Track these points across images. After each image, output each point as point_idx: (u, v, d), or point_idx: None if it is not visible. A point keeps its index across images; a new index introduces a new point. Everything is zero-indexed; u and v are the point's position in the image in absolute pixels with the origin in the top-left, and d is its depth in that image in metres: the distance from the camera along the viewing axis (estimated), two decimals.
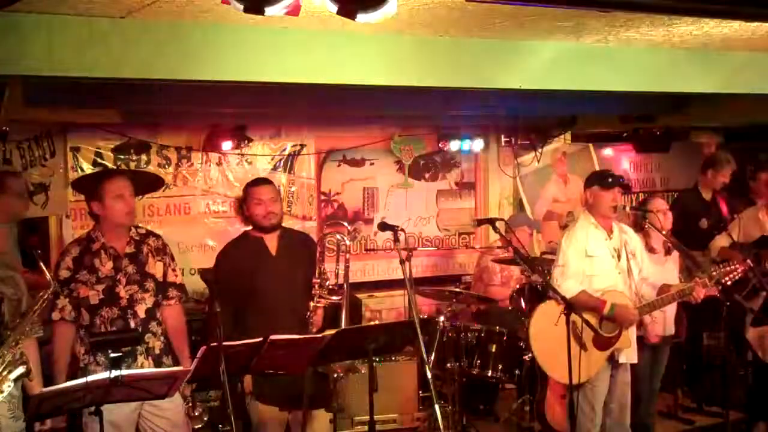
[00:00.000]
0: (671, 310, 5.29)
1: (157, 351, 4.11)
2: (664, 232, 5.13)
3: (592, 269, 4.77)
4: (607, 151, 8.53)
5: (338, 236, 4.50)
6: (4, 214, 5.17)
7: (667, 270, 5.31)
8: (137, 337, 4.02)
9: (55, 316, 3.96)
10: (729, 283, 4.85)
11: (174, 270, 4.26)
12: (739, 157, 6.78)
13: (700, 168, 6.76)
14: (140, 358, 4.04)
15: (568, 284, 4.68)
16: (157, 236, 4.30)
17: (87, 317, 3.99)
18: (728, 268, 4.83)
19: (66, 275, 3.97)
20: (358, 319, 6.69)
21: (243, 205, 4.47)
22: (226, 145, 6.74)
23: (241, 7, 2.82)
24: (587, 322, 4.43)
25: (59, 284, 3.89)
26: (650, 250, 5.28)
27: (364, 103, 5.92)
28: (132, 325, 4.02)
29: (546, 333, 4.67)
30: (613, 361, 4.82)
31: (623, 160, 8.61)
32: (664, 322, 5.31)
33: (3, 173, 5.46)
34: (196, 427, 4.37)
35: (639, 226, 5.36)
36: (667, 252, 5.47)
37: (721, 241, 5.90)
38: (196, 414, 4.19)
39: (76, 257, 4.01)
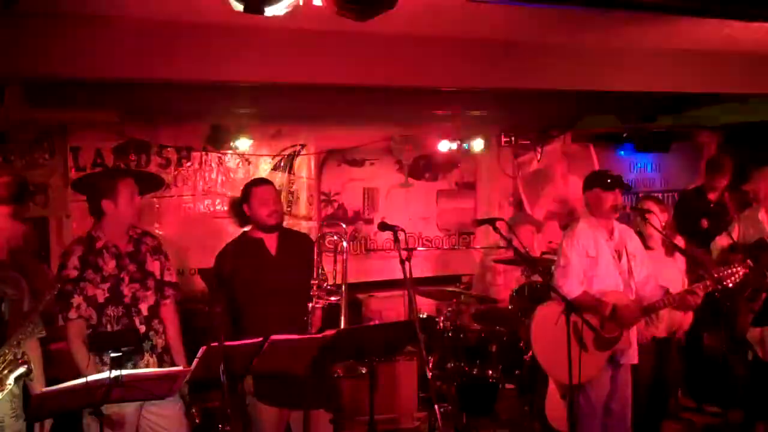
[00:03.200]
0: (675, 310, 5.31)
1: (159, 349, 4.14)
2: (663, 232, 5.14)
3: (593, 270, 4.77)
4: (607, 151, 8.52)
5: (336, 237, 4.50)
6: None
7: (668, 269, 5.31)
8: (138, 336, 4.03)
9: (72, 314, 3.97)
10: (730, 285, 4.84)
11: (169, 269, 4.29)
12: (740, 158, 6.79)
13: (704, 169, 6.81)
14: (146, 356, 4.06)
15: (569, 285, 4.67)
16: (153, 236, 4.34)
17: (95, 316, 4.01)
18: (729, 271, 4.83)
19: (75, 274, 3.99)
20: (358, 320, 6.69)
21: (242, 206, 4.47)
22: (227, 145, 6.73)
23: (241, 7, 2.82)
24: (587, 323, 4.43)
25: (69, 283, 3.91)
26: (646, 247, 5.29)
27: (364, 103, 5.92)
28: (137, 323, 4.05)
29: (547, 333, 4.67)
30: (613, 362, 4.82)
31: (623, 160, 8.60)
32: (669, 321, 5.32)
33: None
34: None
35: (637, 226, 5.37)
36: (669, 252, 5.47)
37: (721, 241, 5.90)
38: (192, 412, 4.21)
39: (81, 256, 4.03)
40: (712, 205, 6.65)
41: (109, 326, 4.01)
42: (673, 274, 5.38)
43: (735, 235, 5.82)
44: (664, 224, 5.46)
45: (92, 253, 4.04)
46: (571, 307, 4.29)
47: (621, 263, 4.85)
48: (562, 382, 4.69)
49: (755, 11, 3.68)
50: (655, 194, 8.43)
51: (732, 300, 5.20)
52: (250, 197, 4.42)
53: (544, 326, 4.72)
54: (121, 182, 4.09)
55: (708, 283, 4.78)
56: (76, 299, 3.98)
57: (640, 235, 5.33)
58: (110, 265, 4.05)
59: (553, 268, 4.97)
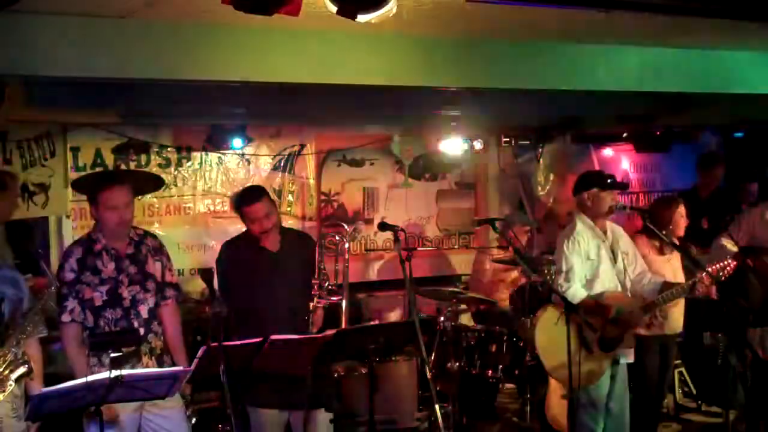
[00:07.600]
0: (677, 308, 5.31)
1: (158, 351, 4.12)
2: (663, 233, 5.14)
3: (593, 273, 4.75)
4: (607, 151, 8.53)
5: (337, 237, 4.50)
6: (2, 213, 5.18)
7: (673, 265, 5.32)
8: (137, 338, 4.02)
9: (66, 318, 3.95)
10: (724, 278, 4.86)
11: (170, 270, 4.27)
12: (739, 157, 6.81)
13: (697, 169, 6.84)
14: (144, 358, 4.05)
15: (573, 289, 4.64)
16: (155, 236, 4.31)
17: (91, 319, 3.99)
18: (720, 264, 4.85)
19: (71, 277, 3.96)
20: (359, 320, 6.69)
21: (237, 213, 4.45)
22: (227, 145, 6.74)
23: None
24: (588, 324, 4.42)
25: (65, 286, 3.90)
26: (660, 251, 5.30)
27: (364, 103, 5.92)
28: (135, 325, 4.03)
29: (552, 337, 4.64)
30: (613, 361, 4.82)
31: (623, 160, 8.60)
32: (669, 320, 5.33)
33: (4, 173, 5.45)
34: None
35: (645, 227, 5.35)
36: (669, 250, 5.49)
37: (721, 241, 5.88)
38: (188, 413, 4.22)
39: (79, 258, 4.00)
40: (702, 204, 6.63)
41: (107, 329, 3.98)
42: (678, 270, 5.39)
43: (737, 235, 5.79)
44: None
45: (91, 256, 4.02)
46: (571, 307, 4.29)
47: (618, 263, 4.85)
48: (567, 384, 4.67)
49: (756, 11, 3.68)
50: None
51: (731, 300, 5.21)
52: (242, 216, 4.38)
53: (548, 330, 4.69)
54: (101, 193, 3.97)
55: (704, 278, 4.80)
56: (70, 303, 3.94)
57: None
58: (109, 268, 4.02)
59: (555, 273, 4.93)
